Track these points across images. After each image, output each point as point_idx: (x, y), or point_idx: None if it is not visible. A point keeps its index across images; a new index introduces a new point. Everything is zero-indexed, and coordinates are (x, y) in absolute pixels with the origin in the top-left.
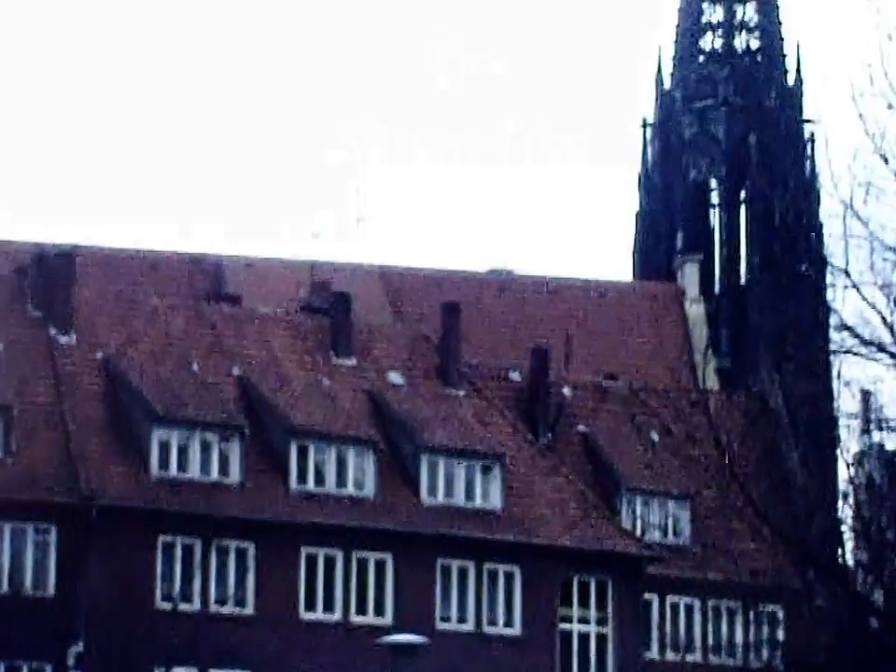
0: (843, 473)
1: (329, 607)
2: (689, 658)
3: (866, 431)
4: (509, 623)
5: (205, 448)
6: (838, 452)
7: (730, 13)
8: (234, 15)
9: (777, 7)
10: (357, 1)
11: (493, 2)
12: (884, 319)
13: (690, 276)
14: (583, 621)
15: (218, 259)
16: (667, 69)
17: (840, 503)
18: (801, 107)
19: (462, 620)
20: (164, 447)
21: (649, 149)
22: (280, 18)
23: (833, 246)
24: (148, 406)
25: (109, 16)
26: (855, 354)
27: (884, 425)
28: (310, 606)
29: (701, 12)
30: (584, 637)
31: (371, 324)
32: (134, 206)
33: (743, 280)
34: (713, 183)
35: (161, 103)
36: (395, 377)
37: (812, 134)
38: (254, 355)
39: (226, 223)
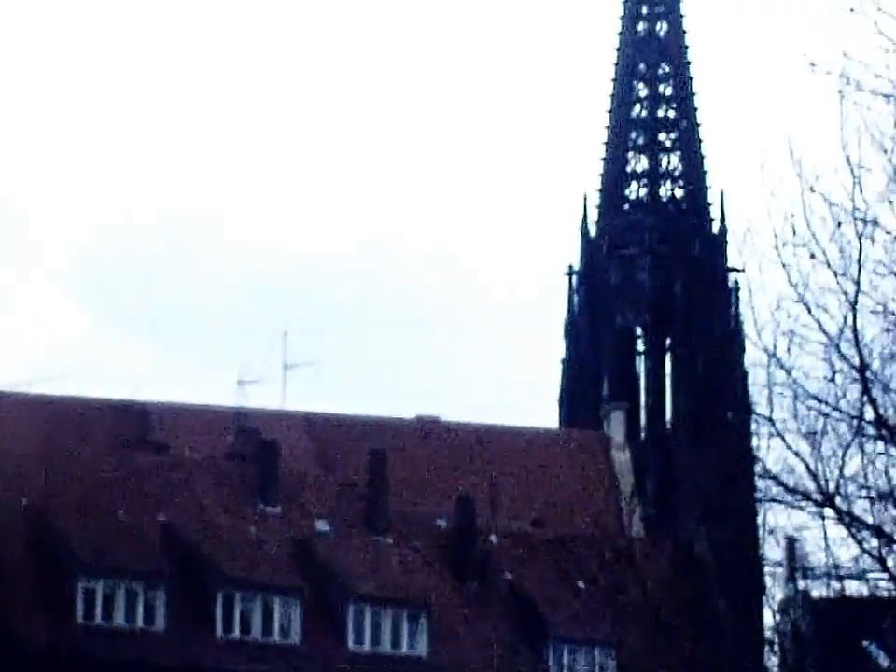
0: (769, 621)
1: None
2: None
3: (791, 579)
4: None
5: (131, 596)
6: (764, 599)
7: (654, 162)
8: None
9: (702, 158)
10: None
11: (419, 149)
12: (808, 467)
13: (616, 424)
14: None
15: (144, 406)
16: (593, 217)
17: (766, 651)
18: (725, 256)
19: None
20: (90, 595)
21: (574, 297)
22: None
23: (757, 394)
24: (74, 554)
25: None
26: (780, 502)
27: (809, 572)
28: None
29: (626, 161)
30: None
31: (297, 471)
32: (58, 351)
33: (668, 427)
34: (639, 331)
35: (84, 255)
36: (321, 525)
37: (736, 283)
38: (180, 502)
39: (153, 369)
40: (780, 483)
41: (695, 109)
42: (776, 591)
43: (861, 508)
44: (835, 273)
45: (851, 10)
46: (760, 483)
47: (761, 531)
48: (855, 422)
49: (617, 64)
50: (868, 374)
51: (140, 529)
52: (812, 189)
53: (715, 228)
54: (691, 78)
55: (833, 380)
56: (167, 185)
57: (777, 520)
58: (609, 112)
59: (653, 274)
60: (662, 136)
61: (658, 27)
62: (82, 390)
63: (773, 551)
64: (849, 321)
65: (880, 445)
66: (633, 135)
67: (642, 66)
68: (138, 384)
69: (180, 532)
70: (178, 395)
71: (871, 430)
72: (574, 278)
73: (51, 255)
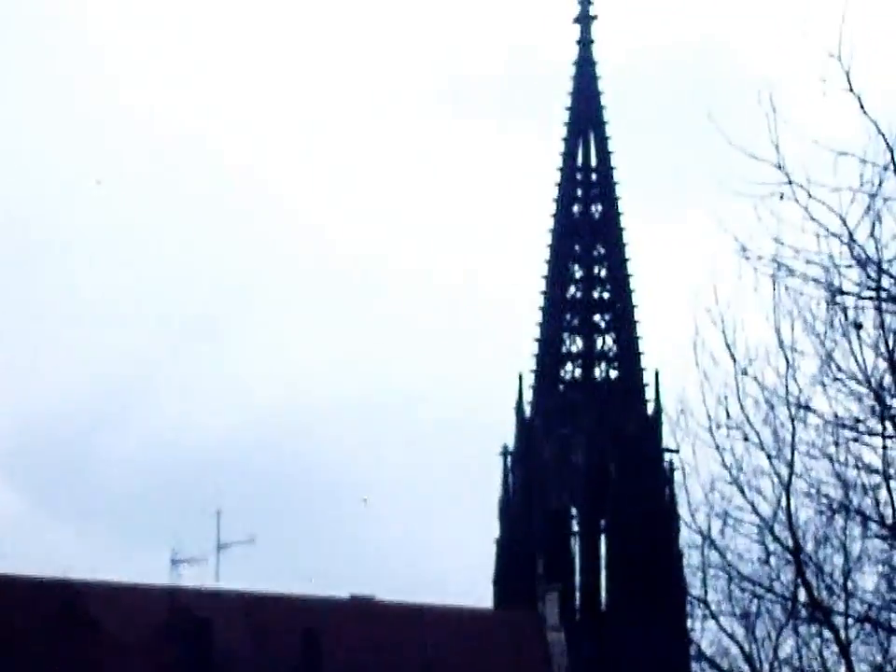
0: None
1: None
2: None
3: None
4: None
5: None
6: None
7: (589, 343)
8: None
9: (636, 338)
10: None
11: (354, 323)
12: (742, 649)
13: (550, 604)
14: None
15: (76, 585)
16: (528, 397)
17: None
18: (660, 437)
19: None
20: None
21: (509, 477)
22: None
23: (691, 576)
24: None
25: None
26: None
27: None
28: None
29: (561, 342)
30: None
31: (231, 651)
32: None
33: (603, 607)
34: (573, 511)
35: (14, 435)
36: None
37: (671, 463)
38: None
39: (84, 549)
40: (715, 665)
41: (630, 290)
42: None
43: None
44: (769, 456)
45: (782, 196)
46: (695, 666)
47: None
48: (789, 604)
49: (552, 246)
50: (802, 556)
51: None
52: (745, 373)
53: (650, 408)
54: (626, 260)
55: (766, 562)
56: (95, 365)
57: None
58: (544, 293)
59: (588, 455)
60: (596, 317)
61: (593, 209)
62: (11, 569)
63: None
64: (783, 503)
65: (814, 627)
66: (568, 316)
67: (577, 248)
68: (70, 563)
69: None
70: (111, 574)
71: (804, 613)
72: (509, 458)
73: None
